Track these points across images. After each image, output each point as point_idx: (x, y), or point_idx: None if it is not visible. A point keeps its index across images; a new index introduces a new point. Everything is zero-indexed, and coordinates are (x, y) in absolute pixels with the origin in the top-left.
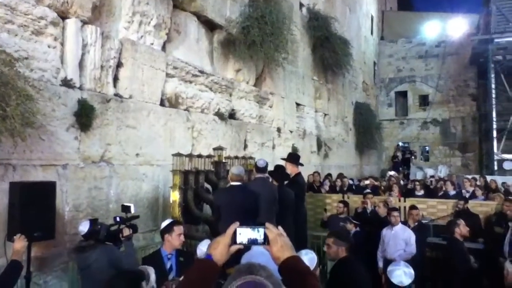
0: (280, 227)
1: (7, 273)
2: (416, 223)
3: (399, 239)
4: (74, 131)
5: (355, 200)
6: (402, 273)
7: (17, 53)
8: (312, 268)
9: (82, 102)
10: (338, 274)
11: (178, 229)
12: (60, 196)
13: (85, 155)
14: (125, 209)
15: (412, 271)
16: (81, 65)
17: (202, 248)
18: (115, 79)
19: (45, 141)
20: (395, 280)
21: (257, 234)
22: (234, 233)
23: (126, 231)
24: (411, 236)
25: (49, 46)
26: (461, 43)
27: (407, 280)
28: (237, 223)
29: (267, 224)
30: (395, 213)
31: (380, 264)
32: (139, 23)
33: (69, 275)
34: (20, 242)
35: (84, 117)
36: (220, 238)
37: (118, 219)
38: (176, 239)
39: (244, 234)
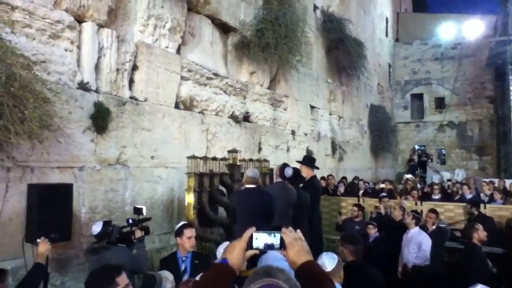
0: (298, 231)
1: (31, 275)
2: (434, 227)
3: (413, 243)
4: (90, 134)
5: (370, 204)
6: None
7: (35, 56)
8: (333, 267)
9: (98, 105)
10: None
11: (188, 232)
12: (77, 198)
13: (101, 158)
14: (137, 211)
15: None
16: (97, 68)
17: (221, 251)
18: (131, 82)
19: (62, 143)
20: None
21: (274, 239)
22: (251, 238)
23: (138, 233)
24: (423, 241)
25: (66, 50)
26: (478, 45)
27: None
28: (254, 228)
29: (283, 229)
30: (407, 216)
31: (400, 268)
32: (154, 26)
33: (85, 276)
34: (44, 245)
35: (100, 119)
36: (236, 242)
37: (130, 221)
38: (186, 242)
39: (261, 239)
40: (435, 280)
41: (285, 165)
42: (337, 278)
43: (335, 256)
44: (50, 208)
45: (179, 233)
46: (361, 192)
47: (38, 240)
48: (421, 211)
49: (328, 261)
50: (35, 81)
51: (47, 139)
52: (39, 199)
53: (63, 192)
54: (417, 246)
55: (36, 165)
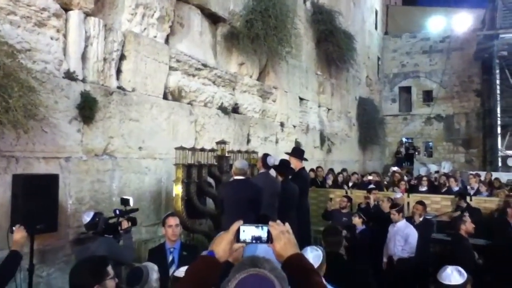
0: (287, 224)
1: (7, 263)
2: (421, 219)
3: (399, 235)
4: (76, 124)
5: (358, 196)
6: (452, 272)
7: (20, 44)
8: (318, 264)
9: (85, 94)
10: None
11: (169, 221)
12: (63, 188)
13: (88, 148)
14: (124, 202)
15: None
16: (84, 57)
17: None
18: (118, 71)
19: (47, 133)
20: (445, 279)
21: (261, 232)
22: (238, 231)
23: (125, 224)
24: (410, 234)
25: (51, 38)
26: (466, 39)
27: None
28: (241, 221)
29: (271, 222)
30: (393, 211)
31: (385, 259)
32: (142, 15)
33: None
34: (19, 233)
35: (87, 109)
36: (223, 234)
37: (117, 212)
38: (167, 230)
39: (248, 231)
40: (420, 271)
41: (266, 155)
42: (322, 271)
43: (320, 251)
44: (35, 199)
45: (162, 223)
46: (350, 184)
47: (13, 228)
48: (408, 203)
49: (314, 259)
50: (19, 70)
51: (32, 129)
52: (24, 190)
53: (49, 183)
54: (403, 238)
55: (21, 155)
